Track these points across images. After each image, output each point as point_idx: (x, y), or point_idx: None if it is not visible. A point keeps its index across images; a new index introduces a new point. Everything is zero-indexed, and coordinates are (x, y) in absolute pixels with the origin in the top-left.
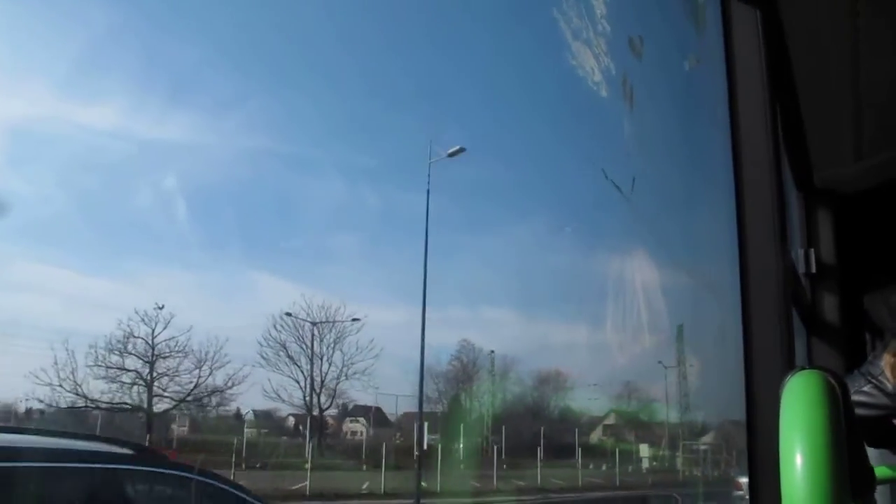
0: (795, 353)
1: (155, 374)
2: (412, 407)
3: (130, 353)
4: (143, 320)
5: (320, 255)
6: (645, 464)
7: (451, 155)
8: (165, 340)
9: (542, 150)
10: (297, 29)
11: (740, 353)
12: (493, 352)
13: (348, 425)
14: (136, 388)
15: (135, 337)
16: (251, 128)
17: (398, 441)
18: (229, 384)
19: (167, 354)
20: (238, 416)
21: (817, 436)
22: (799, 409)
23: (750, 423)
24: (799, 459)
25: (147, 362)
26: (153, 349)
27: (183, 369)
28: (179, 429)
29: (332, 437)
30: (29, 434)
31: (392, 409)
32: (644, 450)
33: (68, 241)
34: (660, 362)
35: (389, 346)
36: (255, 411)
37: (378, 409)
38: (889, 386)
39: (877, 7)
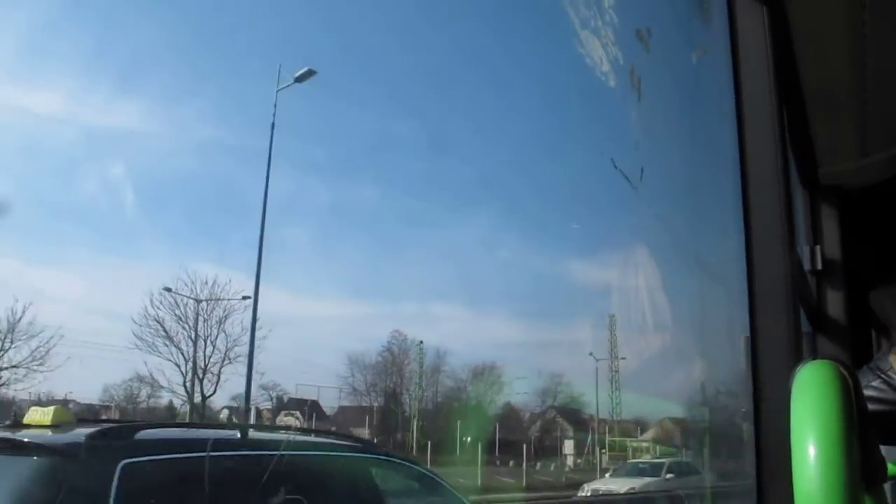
0: (803, 351)
1: None
2: (340, 399)
3: None
4: None
5: (270, 247)
6: (569, 462)
7: (298, 79)
8: None
9: (502, 145)
10: (249, 19)
11: (708, 347)
12: (421, 343)
13: (283, 419)
14: None
15: None
16: (201, 118)
17: None
18: (32, 360)
19: None
20: (171, 407)
21: (830, 426)
22: (810, 400)
23: (757, 420)
24: (812, 450)
25: None
26: None
27: None
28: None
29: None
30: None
31: (331, 402)
32: (568, 447)
33: (12, 228)
34: (591, 354)
35: (332, 339)
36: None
37: (315, 403)
38: None
39: (884, 1)
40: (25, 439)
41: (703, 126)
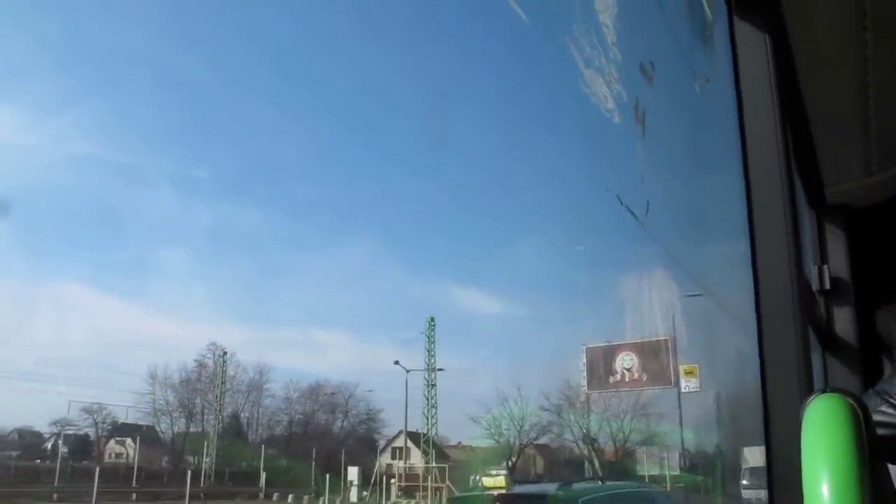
0: (813, 374)
1: None
2: (126, 417)
3: None
4: None
5: (146, 267)
6: (352, 495)
7: None
8: None
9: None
10: (135, 28)
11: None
12: (225, 353)
13: (112, 446)
14: None
15: None
16: (79, 132)
17: (166, 465)
18: None
19: None
20: None
21: (841, 463)
22: (821, 435)
23: (769, 445)
24: (825, 489)
25: None
26: None
27: None
28: None
29: (94, 461)
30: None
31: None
32: (352, 474)
33: None
34: (396, 362)
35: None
36: (19, 430)
37: (150, 428)
38: None
39: (885, 22)
40: (538, 492)
41: (709, 151)
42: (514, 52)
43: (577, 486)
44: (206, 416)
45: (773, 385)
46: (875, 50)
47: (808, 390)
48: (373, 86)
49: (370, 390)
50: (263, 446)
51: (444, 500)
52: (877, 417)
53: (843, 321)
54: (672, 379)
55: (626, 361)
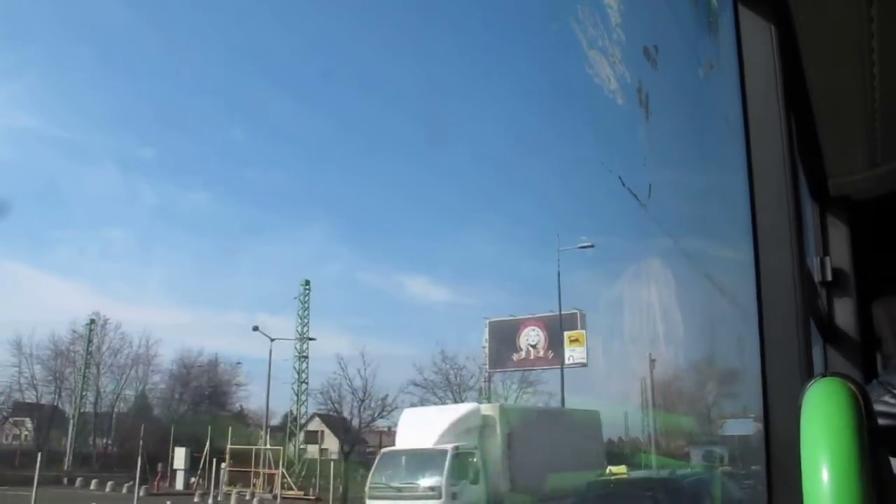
0: (813, 362)
1: None
2: None
3: None
4: None
5: (90, 248)
6: (178, 482)
7: None
8: None
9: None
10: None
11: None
12: (93, 321)
13: (10, 427)
14: None
15: None
16: (16, 106)
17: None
18: None
19: None
20: None
21: (842, 448)
22: (821, 420)
23: (767, 432)
24: (824, 473)
25: None
26: None
27: None
28: None
29: None
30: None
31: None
32: (179, 458)
33: None
34: (256, 328)
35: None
36: None
37: (55, 408)
38: None
39: (891, 14)
40: (653, 476)
41: (712, 139)
42: (502, 29)
43: (679, 472)
44: (85, 392)
45: (772, 373)
46: (881, 40)
47: (808, 379)
48: (327, 63)
49: (238, 363)
50: (72, 421)
51: (277, 487)
52: (880, 408)
53: (844, 312)
54: (582, 357)
55: (531, 337)
